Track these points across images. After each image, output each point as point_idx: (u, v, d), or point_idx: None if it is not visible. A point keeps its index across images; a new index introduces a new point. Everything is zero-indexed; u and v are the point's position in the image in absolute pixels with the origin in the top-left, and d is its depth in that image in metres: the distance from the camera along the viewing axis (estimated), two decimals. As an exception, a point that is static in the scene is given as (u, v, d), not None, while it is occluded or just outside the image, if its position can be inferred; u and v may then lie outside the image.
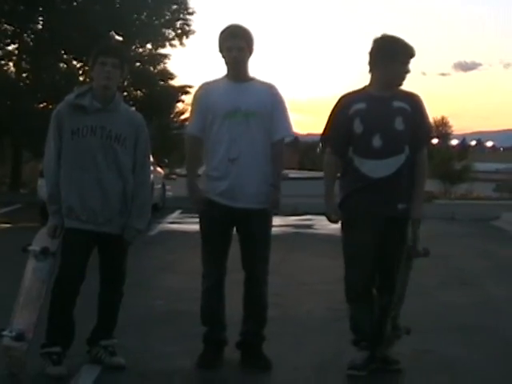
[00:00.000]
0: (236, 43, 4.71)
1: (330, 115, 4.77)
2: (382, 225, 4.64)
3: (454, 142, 77.80)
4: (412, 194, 4.69)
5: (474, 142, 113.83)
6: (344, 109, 4.69)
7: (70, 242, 4.57)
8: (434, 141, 31.52)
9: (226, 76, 4.85)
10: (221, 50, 4.80)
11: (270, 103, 4.77)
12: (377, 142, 4.60)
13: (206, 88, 4.88)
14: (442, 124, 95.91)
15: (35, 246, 4.58)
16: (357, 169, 4.66)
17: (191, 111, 4.97)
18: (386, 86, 4.68)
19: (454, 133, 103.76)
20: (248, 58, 4.81)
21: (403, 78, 4.70)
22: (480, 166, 41.14)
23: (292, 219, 15.16)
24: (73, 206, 4.54)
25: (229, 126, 4.70)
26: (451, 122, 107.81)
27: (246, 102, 4.72)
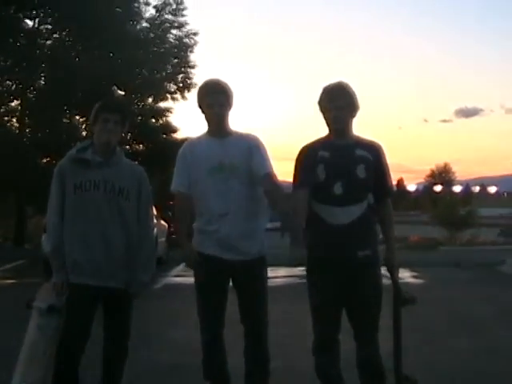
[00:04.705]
0: (217, 99, 4.68)
1: (298, 163, 4.65)
2: (343, 273, 4.52)
3: (458, 188, 78.08)
4: (385, 244, 4.64)
5: (477, 188, 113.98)
6: (310, 155, 4.60)
7: (74, 298, 4.49)
8: (438, 188, 31.39)
9: (208, 132, 4.81)
10: (200, 106, 4.77)
11: (249, 152, 4.69)
12: (338, 189, 4.53)
13: (189, 146, 4.84)
14: (445, 171, 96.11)
15: (40, 303, 4.47)
16: (316, 215, 4.57)
17: (176, 169, 4.85)
18: (334, 133, 4.61)
19: (458, 179, 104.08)
20: (228, 112, 4.78)
21: (335, 123, 4.57)
22: (484, 211, 41.16)
23: (297, 270, 15.01)
24: (78, 260, 4.50)
25: (215, 182, 4.65)
26: (454, 168, 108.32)
27: (229, 156, 4.67)
